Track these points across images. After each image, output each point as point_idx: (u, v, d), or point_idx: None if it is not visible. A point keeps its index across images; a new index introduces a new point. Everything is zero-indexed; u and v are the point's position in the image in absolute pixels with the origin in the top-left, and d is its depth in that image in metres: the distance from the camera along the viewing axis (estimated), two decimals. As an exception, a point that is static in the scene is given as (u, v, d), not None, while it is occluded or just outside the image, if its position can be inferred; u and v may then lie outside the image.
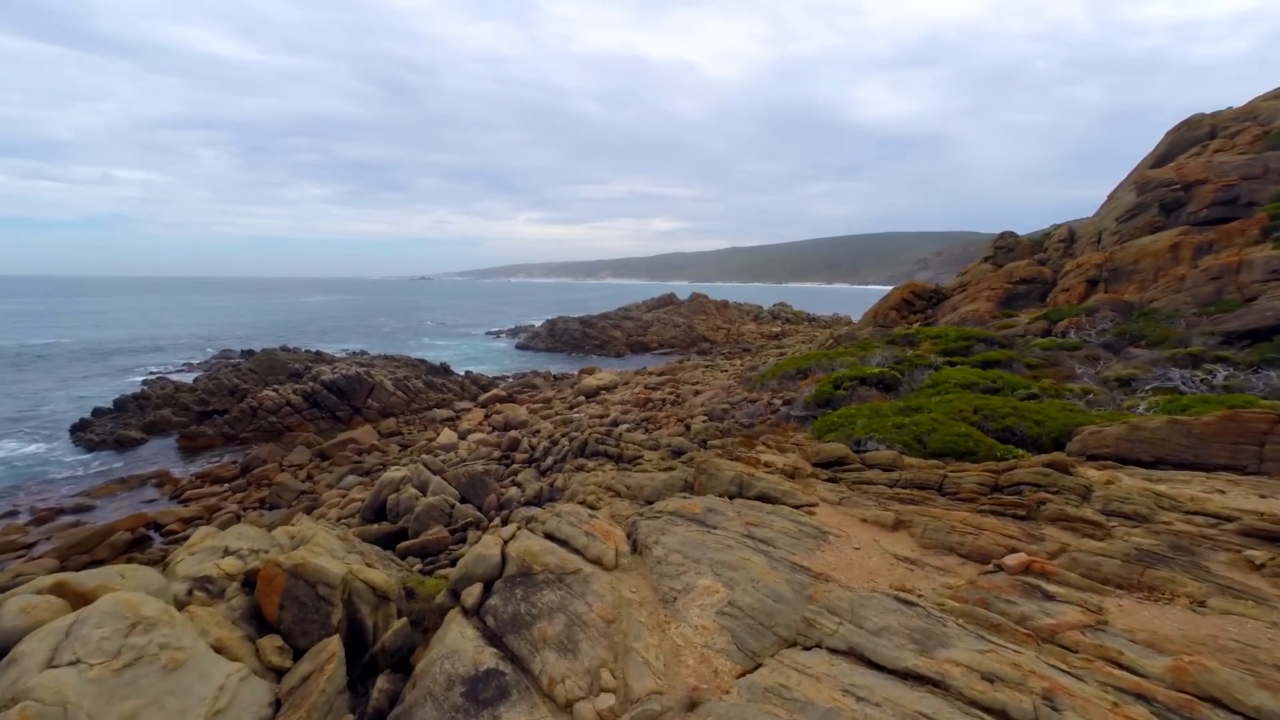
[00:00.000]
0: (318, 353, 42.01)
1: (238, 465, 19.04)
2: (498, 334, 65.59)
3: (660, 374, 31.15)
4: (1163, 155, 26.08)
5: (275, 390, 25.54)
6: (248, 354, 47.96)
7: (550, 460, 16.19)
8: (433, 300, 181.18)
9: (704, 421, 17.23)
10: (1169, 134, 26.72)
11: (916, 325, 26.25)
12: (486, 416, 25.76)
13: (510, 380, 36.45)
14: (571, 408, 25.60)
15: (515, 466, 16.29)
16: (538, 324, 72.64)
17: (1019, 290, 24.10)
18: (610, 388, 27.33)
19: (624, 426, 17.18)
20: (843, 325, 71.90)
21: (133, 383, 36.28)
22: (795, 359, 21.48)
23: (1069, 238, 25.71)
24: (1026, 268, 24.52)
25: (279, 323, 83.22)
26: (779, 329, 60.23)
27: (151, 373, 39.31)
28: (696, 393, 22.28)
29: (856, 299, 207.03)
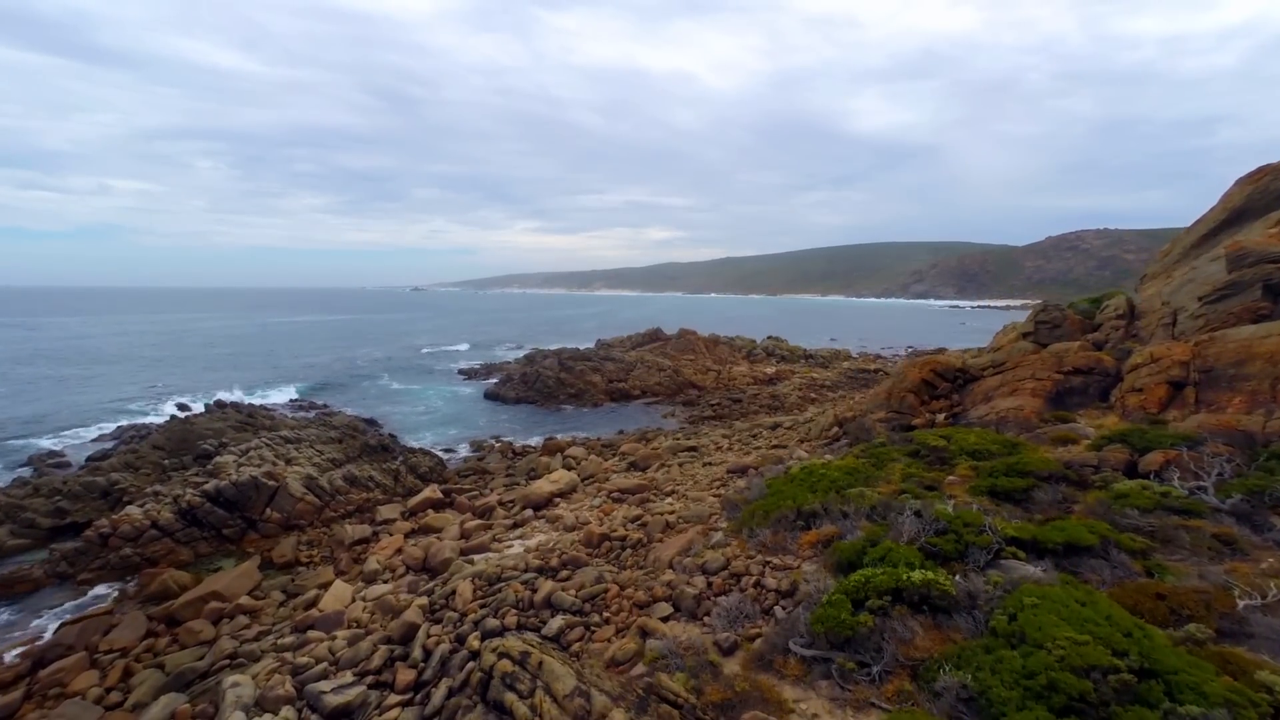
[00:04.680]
0: (250, 413, 36.84)
1: (31, 658, 13.86)
2: (469, 375, 60.53)
3: (631, 460, 26.13)
4: (1238, 210, 21.45)
5: (143, 505, 20.37)
6: (182, 409, 42.82)
7: (444, 690, 11.18)
8: (421, 318, 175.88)
9: (668, 613, 12.29)
10: (1243, 184, 22.08)
11: (943, 418, 21.42)
12: (409, 535, 20.71)
13: (460, 459, 31.38)
14: (515, 525, 20.61)
15: (393, 702, 11.23)
16: (514, 359, 67.77)
17: (1072, 383, 19.29)
18: (567, 493, 22.30)
19: (559, 622, 12.19)
20: (842, 360, 67.20)
21: (19, 462, 31.11)
22: (795, 485, 16.52)
23: (1128, 313, 20.96)
24: (1080, 354, 19.70)
25: (245, 354, 78.02)
26: (773, 370, 55.42)
27: (51, 446, 34.05)
28: (668, 525, 17.29)
29: (853, 315, 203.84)
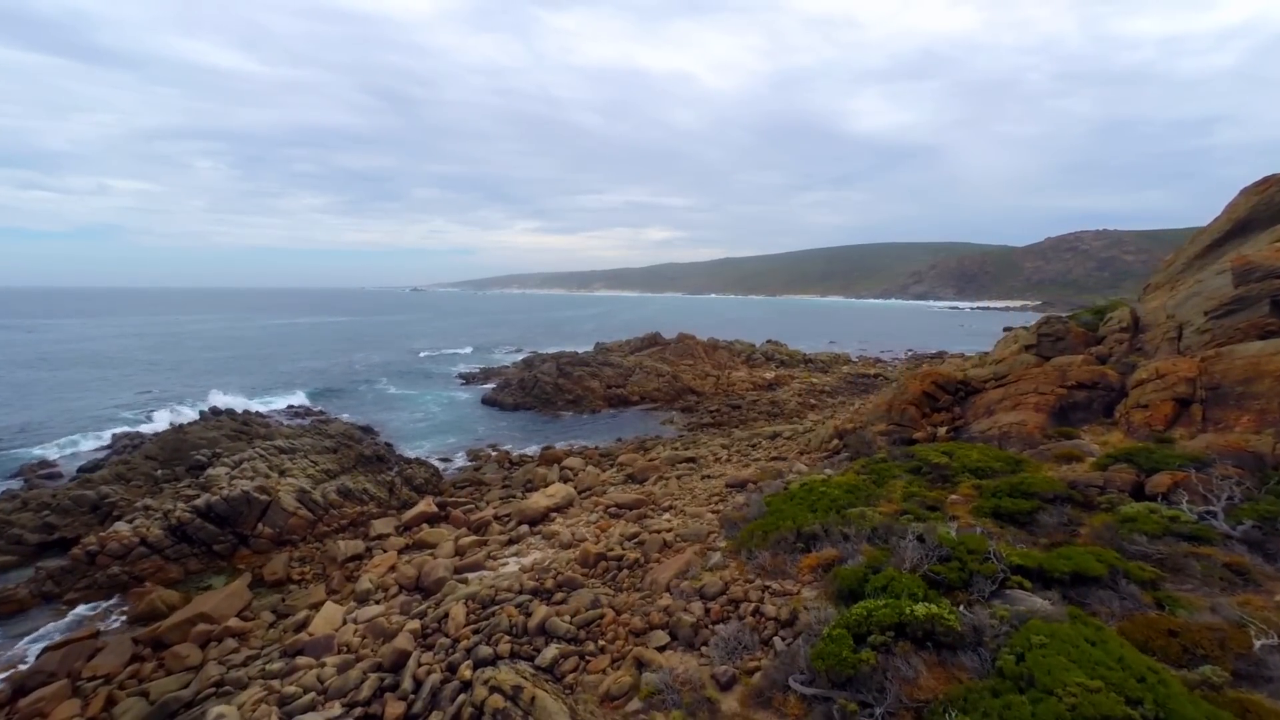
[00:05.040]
0: (244, 420, 36.51)
1: (12, 684, 13.55)
2: (467, 380, 60.20)
3: (629, 472, 25.84)
4: (1243, 221, 21.16)
5: (132, 521, 20.06)
6: (178, 415, 42.47)
7: (432, 723, 10.87)
8: (420, 319, 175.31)
9: (665, 642, 11.97)
10: (1248, 194, 21.80)
11: (944, 431, 21.12)
12: (403, 552, 20.40)
13: (456, 469, 31.08)
14: (511, 542, 20.31)
15: (379, 735, 10.93)
16: (512, 362, 67.48)
17: (1076, 398, 19.00)
18: (564, 508, 22.00)
19: (553, 651, 11.90)
20: (841, 364, 66.89)
21: (10, 472, 30.78)
22: (795, 504, 16.22)
23: (1132, 325, 20.66)
24: (1083, 368, 19.40)
25: (244, 357, 77.71)
26: (772, 375, 55.12)
27: (45, 455, 33.71)
28: (665, 544, 16.98)
29: (853, 316, 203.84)
